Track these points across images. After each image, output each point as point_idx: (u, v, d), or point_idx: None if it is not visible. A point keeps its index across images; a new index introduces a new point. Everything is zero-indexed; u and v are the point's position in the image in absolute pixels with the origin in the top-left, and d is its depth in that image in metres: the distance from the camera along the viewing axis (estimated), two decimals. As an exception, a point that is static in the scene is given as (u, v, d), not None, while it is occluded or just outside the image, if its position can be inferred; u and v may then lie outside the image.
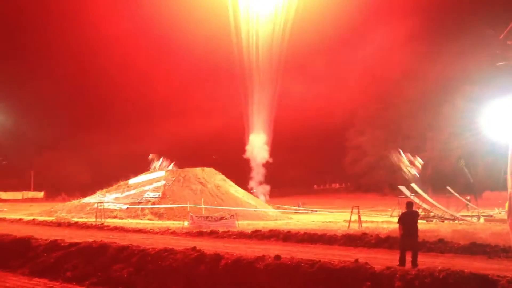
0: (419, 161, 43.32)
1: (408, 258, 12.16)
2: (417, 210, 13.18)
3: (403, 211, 12.96)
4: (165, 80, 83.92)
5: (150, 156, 44.55)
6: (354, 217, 25.63)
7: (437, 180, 42.71)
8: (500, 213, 32.71)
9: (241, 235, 20.90)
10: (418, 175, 42.42)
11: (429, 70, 57.30)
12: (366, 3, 65.68)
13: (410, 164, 43.29)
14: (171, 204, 34.61)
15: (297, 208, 44.09)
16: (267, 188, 52.99)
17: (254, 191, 50.19)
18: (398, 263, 12.00)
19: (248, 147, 55.68)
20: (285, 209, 40.29)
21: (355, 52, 65.75)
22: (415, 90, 59.08)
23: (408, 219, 12.75)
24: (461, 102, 43.81)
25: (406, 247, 12.46)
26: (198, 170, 40.30)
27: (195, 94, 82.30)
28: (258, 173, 53.85)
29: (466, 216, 33.15)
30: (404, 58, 59.32)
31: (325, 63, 66.29)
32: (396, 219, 13.26)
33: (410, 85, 59.25)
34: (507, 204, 24.31)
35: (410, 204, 13.06)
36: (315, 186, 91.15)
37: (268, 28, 53.49)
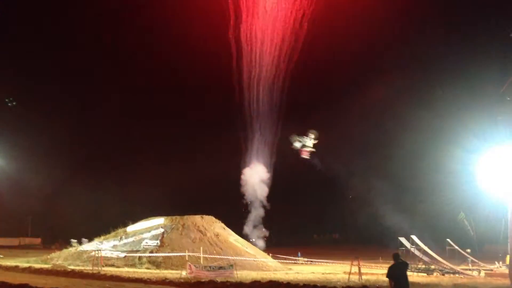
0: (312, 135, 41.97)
1: None
2: (405, 261, 12.84)
3: (392, 263, 12.60)
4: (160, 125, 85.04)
5: None
6: (354, 269, 25.40)
7: (437, 233, 42.40)
8: (500, 267, 32.37)
9: (240, 286, 20.66)
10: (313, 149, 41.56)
11: (427, 121, 57.92)
12: (364, 54, 67.27)
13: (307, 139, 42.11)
14: (169, 252, 34.24)
15: (297, 258, 43.64)
16: (265, 232, 52.49)
17: (253, 240, 49.66)
18: None
19: (244, 178, 54.77)
20: (284, 259, 39.83)
21: (354, 101, 66.54)
22: (413, 141, 59.51)
23: (397, 271, 12.38)
24: (460, 153, 44.07)
25: None
26: (197, 218, 40.04)
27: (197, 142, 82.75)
28: (256, 212, 53.29)
29: (467, 269, 32.80)
30: (403, 109, 60.19)
31: (326, 111, 67.02)
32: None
33: (409, 136, 59.73)
34: (507, 258, 24.15)
35: (397, 256, 12.65)
36: (314, 236, 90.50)
37: (269, 70, 54.05)
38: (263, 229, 52.43)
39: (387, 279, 12.53)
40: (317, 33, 51.47)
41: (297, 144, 41.85)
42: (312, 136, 41.37)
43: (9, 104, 70.64)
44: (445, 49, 68.01)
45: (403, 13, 63.81)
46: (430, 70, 65.55)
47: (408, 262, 26.86)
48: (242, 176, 54.27)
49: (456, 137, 49.94)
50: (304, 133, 41.93)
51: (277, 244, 53.14)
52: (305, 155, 42.09)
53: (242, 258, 34.29)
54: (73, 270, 28.26)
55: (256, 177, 53.94)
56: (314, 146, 42.20)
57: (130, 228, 40.14)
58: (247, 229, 52.31)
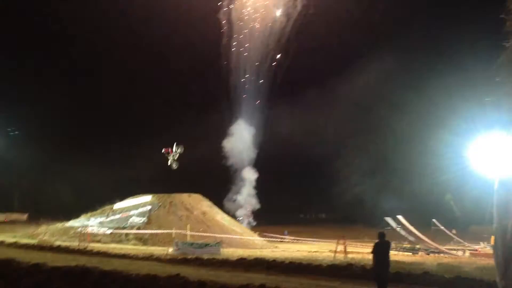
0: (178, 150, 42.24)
1: None
2: (389, 241, 13.22)
3: (376, 241, 13.08)
4: (151, 103, 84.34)
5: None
6: (340, 248, 25.61)
7: (423, 213, 42.80)
8: (485, 247, 32.79)
9: (226, 263, 20.72)
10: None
11: (415, 104, 58.05)
12: (355, 38, 66.97)
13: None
14: (156, 229, 34.29)
15: (283, 237, 43.88)
16: (250, 210, 52.75)
17: (240, 218, 49.79)
18: None
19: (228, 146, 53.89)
20: (271, 237, 40.06)
21: (345, 83, 66.33)
22: (402, 124, 59.71)
23: (380, 249, 12.88)
24: (448, 137, 44.29)
25: (378, 277, 12.60)
26: (184, 196, 40.05)
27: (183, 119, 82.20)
28: (243, 184, 53.01)
29: (452, 249, 33.20)
30: (392, 91, 60.21)
31: (317, 92, 66.63)
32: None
33: (397, 118, 59.88)
34: (492, 239, 24.44)
35: (382, 234, 13.15)
36: (301, 215, 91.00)
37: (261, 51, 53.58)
38: (249, 208, 52.34)
39: (371, 255, 12.93)
40: (310, 15, 51.06)
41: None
42: (179, 150, 41.88)
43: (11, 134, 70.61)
44: (435, 31, 67.88)
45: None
46: (421, 53, 65.41)
47: (394, 241, 27.18)
48: (225, 144, 53.79)
49: (445, 120, 50.19)
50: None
51: (263, 223, 53.17)
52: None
53: (228, 236, 34.41)
54: (59, 246, 28.21)
55: (241, 140, 53.56)
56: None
57: (117, 206, 40.10)
58: (235, 203, 52.16)
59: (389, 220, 35.36)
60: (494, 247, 12.15)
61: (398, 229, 34.57)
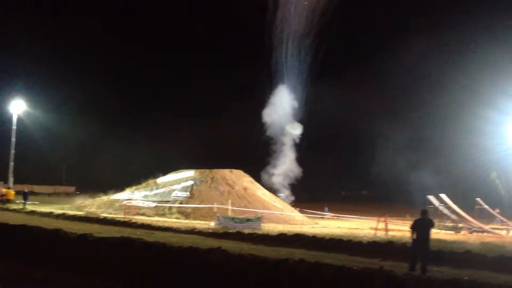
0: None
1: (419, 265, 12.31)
2: (431, 219, 13.16)
3: (417, 218, 13.12)
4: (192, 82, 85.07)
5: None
6: (381, 225, 25.46)
7: (467, 193, 41.95)
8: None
9: (266, 238, 20.97)
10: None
11: (459, 83, 56.38)
12: (397, 14, 65.20)
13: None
14: (198, 204, 34.92)
15: (323, 213, 43.90)
16: (295, 172, 52.02)
17: (281, 195, 49.87)
18: (409, 268, 12.10)
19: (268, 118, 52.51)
20: (312, 213, 40.16)
21: (386, 61, 65.14)
22: (445, 104, 58.23)
23: (421, 226, 12.88)
24: (493, 115, 42.98)
25: (417, 253, 12.56)
26: (226, 171, 40.49)
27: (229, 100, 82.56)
28: (285, 156, 52.19)
29: (495, 228, 32.50)
30: (435, 71, 58.70)
31: (359, 69, 65.82)
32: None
33: (441, 98, 58.45)
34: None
35: (424, 212, 13.17)
36: (342, 193, 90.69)
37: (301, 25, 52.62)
38: (289, 179, 52.05)
39: (410, 232, 12.95)
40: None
41: None
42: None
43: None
44: (478, 6, 65.22)
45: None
46: (463, 30, 63.14)
47: (436, 220, 26.75)
48: (264, 117, 52.80)
49: (489, 98, 48.60)
50: None
51: (304, 199, 53.23)
52: None
53: (269, 212, 34.71)
54: (105, 218, 29.13)
55: (282, 107, 52.57)
56: None
57: (160, 180, 40.97)
58: (275, 177, 52.01)
59: (431, 198, 34.79)
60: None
61: (440, 207, 33.98)
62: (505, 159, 38.77)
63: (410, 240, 13.10)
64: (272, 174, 51.79)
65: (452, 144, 56.49)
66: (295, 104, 52.49)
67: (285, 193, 51.01)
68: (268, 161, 52.94)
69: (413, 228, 12.97)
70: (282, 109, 52.67)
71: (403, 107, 67.74)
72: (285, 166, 52.23)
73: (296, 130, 52.72)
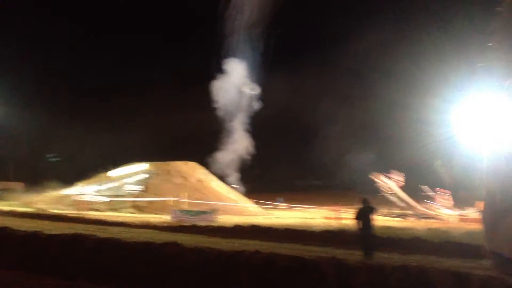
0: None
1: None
2: (372, 206, 13.70)
3: (359, 207, 13.74)
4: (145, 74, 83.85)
5: None
6: (334, 214, 26.07)
7: (415, 180, 43.33)
8: (474, 212, 33.38)
9: (222, 230, 21.12)
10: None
11: (407, 71, 57.97)
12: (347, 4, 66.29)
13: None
14: (152, 197, 34.64)
15: (278, 204, 44.37)
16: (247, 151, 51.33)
17: (235, 186, 49.87)
18: (364, 257, 12.56)
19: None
20: (266, 204, 40.56)
21: (337, 50, 66.13)
22: (391, 90, 59.76)
23: (364, 214, 13.51)
24: (438, 103, 44.52)
25: (367, 239, 13.22)
26: (180, 164, 40.33)
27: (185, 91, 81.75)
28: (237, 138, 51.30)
29: (440, 214, 33.79)
30: (382, 57, 60.03)
31: (310, 58, 66.54)
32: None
33: (388, 86, 59.95)
34: (478, 204, 24.89)
35: (365, 200, 13.81)
36: (296, 182, 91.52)
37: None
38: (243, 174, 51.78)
39: (355, 221, 13.63)
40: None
41: None
42: None
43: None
44: None
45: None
46: (410, 19, 64.85)
47: (386, 207, 27.52)
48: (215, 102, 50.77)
49: (437, 87, 50.16)
50: None
51: (259, 190, 53.49)
52: None
53: (224, 203, 34.85)
54: (56, 214, 28.49)
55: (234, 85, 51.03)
56: None
57: (112, 173, 40.35)
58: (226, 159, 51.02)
59: (375, 176, 35.86)
60: (483, 212, 12.50)
61: (389, 195, 35.06)
62: (449, 147, 40.14)
63: (357, 230, 13.56)
64: (224, 159, 50.82)
65: (400, 132, 58.09)
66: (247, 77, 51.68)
67: (235, 179, 50.18)
68: (220, 147, 52.25)
69: (357, 217, 13.55)
70: (234, 80, 51.23)
71: (356, 96, 68.95)
72: (237, 145, 51.37)
73: (253, 90, 51.57)
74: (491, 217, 11.30)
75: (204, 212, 27.37)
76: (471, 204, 34.17)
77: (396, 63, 57.52)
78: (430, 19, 61.19)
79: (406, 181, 38.13)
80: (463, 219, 31.70)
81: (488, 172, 11.54)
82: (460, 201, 37.18)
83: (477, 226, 19.12)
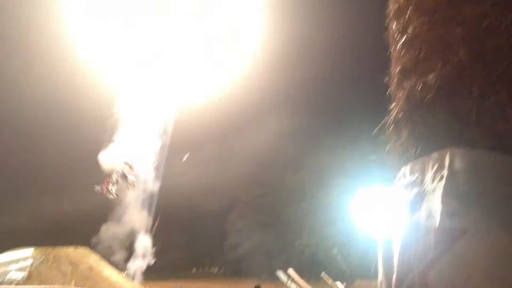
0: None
1: None
2: None
3: None
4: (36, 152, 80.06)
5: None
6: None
7: (313, 267, 44.05)
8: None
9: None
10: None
11: (308, 162, 60.93)
12: (256, 93, 69.11)
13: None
14: (36, 286, 32.06)
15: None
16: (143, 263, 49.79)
17: (131, 273, 47.56)
18: None
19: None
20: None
21: (244, 138, 67.61)
22: (295, 180, 62.20)
23: None
24: (335, 193, 46.71)
25: None
26: (70, 249, 37.95)
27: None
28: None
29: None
30: (288, 149, 62.62)
31: (214, 146, 67.22)
32: None
33: (292, 174, 62.47)
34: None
35: (258, 287, 13.98)
36: (193, 269, 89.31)
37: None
38: (142, 260, 50.00)
39: None
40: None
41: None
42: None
43: None
44: (332, 95, 70.89)
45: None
46: (309, 112, 68.40)
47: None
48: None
49: (334, 177, 52.87)
50: None
51: (155, 277, 51.57)
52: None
53: (117, 293, 33.00)
54: None
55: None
56: None
57: (-8, 260, 37.11)
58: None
59: (280, 274, 35.84)
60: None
61: (288, 283, 35.08)
62: (346, 235, 41.59)
63: None
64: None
65: (300, 220, 59.65)
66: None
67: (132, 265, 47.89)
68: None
69: None
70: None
71: (258, 183, 70.24)
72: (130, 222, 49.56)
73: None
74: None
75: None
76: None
77: (301, 155, 60.45)
78: (332, 115, 65.22)
79: (307, 268, 38.60)
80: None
81: (384, 260, 11.93)
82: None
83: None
